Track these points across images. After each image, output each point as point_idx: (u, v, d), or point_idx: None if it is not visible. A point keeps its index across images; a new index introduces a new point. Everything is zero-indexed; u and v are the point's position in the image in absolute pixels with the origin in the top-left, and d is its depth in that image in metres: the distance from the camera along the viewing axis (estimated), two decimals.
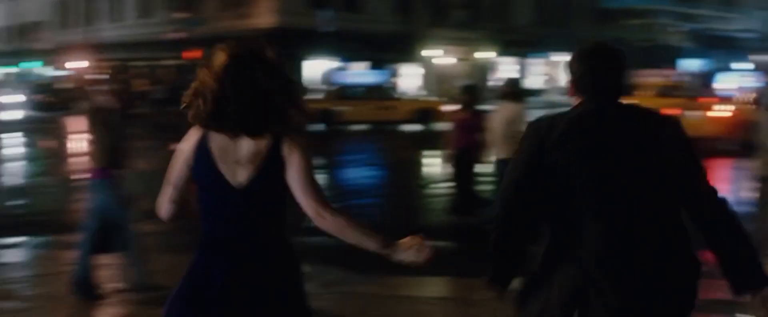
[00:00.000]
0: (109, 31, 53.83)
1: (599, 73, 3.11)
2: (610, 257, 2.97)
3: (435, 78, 47.52)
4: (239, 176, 3.08)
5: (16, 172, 18.00)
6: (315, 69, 42.85)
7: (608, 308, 2.96)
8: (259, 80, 3.04)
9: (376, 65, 43.79)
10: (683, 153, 3.06)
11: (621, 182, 2.99)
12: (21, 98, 43.62)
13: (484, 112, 9.82)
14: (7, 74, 68.35)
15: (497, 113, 9.42)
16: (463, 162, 9.84)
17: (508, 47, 50.60)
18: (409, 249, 3.07)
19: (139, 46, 50.67)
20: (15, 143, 25.76)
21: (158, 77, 46.17)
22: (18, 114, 39.44)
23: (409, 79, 47.90)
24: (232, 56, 3.08)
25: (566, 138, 3.03)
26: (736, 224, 3.04)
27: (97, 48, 50.91)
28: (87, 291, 6.62)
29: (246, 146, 3.07)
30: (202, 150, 3.11)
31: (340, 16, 42.08)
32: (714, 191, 3.09)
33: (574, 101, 3.19)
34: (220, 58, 3.09)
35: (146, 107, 43.01)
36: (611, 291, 2.96)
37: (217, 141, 3.10)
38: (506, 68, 51.69)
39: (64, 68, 59.36)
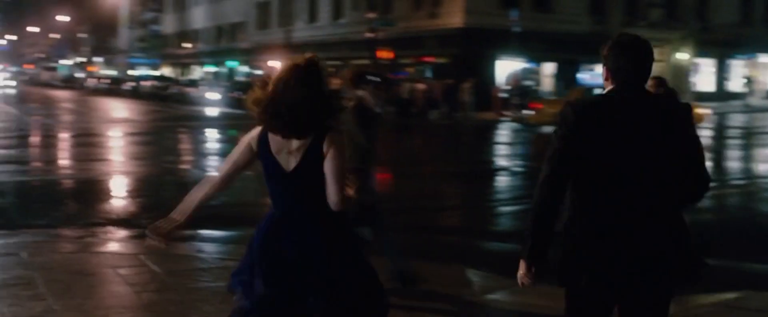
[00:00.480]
0: (304, 32, 55.44)
1: (635, 65, 3.52)
2: (619, 227, 3.41)
3: None
4: (290, 164, 3.77)
5: (213, 165, 18.69)
6: (508, 69, 42.37)
7: (614, 270, 3.41)
8: (303, 94, 3.69)
9: (567, 66, 42.85)
10: (691, 138, 3.53)
11: (642, 159, 3.42)
12: (218, 95, 45.65)
13: None
14: (207, 72, 71.97)
15: None
16: None
17: (707, 48, 48.25)
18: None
19: (333, 46, 51.91)
20: (213, 138, 26.90)
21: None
22: (215, 111, 41.29)
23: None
24: (280, 76, 3.77)
25: (599, 120, 3.45)
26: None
27: (293, 48, 52.55)
28: (408, 279, 6.84)
29: (295, 141, 3.77)
30: (263, 143, 3.82)
31: (531, 16, 41.40)
32: (707, 179, 3.57)
33: (607, 86, 3.56)
34: (273, 77, 3.80)
35: None
36: (616, 254, 3.40)
37: (274, 137, 3.80)
38: (705, 70, 49.39)
39: (262, 67, 61.77)
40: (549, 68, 44.94)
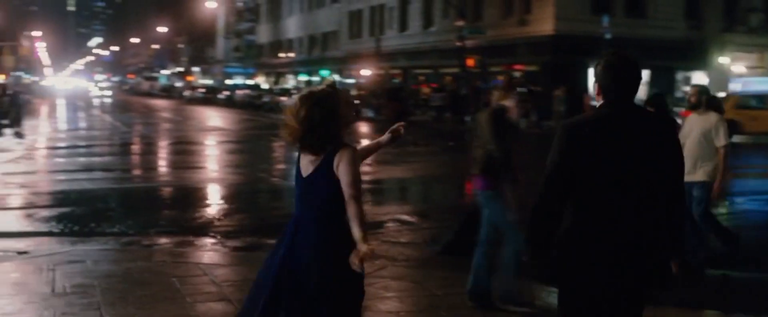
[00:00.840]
0: (394, 40, 55.50)
1: (624, 83, 3.87)
2: (613, 236, 3.77)
3: (727, 87, 44.59)
4: (307, 170, 4.32)
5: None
6: None
7: (609, 275, 3.79)
8: (315, 117, 4.22)
9: (662, 73, 41.79)
10: (673, 153, 3.89)
11: (633, 172, 3.77)
12: None
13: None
14: (300, 82, 72.75)
15: (686, 127, 8.31)
16: None
17: None
18: (356, 254, 4.03)
19: (423, 55, 51.83)
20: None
21: (444, 84, 46.99)
22: None
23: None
24: (298, 102, 4.28)
25: (589, 137, 3.81)
26: (682, 224, 3.93)
27: (384, 56, 52.68)
28: (486, 300, 6.76)
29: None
30: (298, 155, 4.44)
31: (623, 22, 40.54)
32: (683, 193, 3.92)
33: (598, 100, 3.94)
34: (294, 103, 4.31)
35: (426, 114, 43.86)
36: (612, 260, 3.77)
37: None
38: None
39: (353, 76, 62.09)
40: (643, 75, 43.85)
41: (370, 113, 46.38)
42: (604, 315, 3.89)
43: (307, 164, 4.33)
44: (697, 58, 43.81)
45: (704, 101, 8.42)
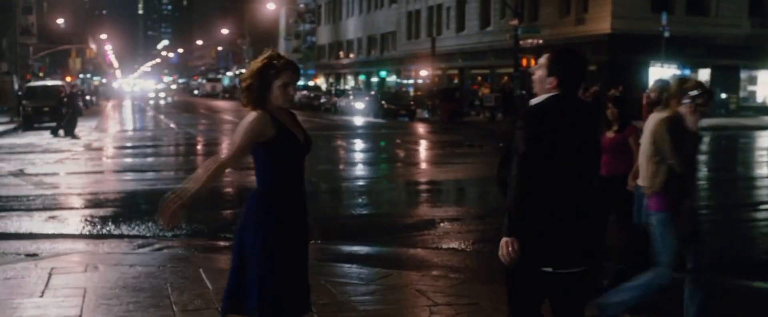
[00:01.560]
0: (451, 40, 55.08)
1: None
2: (567, 213, 4.17)
3: None
4: None
5: (357, 176, 18.26)
6: (661, 75, 40.63)
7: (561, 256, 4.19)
8: (252, 71, 4.47)
9: (724, 71, 40.69)
10: (596, 134, 4.44)
11: (580, 153, 4.25)
12: (362, 104, 45.89)
13: (637, 129, 7.66)
14: (358, 82, 72.78)
15: (645, 127, 7.47)
16: (610, 194, 7.45)
17: None
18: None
19: (480, 55, 51.32)
20: (357, 148, 26.58)
21: (499, 85, 46.43)
22: (361, 120, 41.46)
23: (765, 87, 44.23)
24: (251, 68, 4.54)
25: (554, 121, 4.18)
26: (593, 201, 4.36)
27: (440, 57, 52.25)
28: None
29: None
30: None
31: (684, 19, 39.55)
32: (596, 172, 4.50)
33: (547, 91, 4.28)
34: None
35: (480, 115, 43.38)
36: (564, 241, 4.16)
37: None
38: None
39: (411, 76, 61.78)
40: (704, 74, 42.76)
41: (425, 114, 46.06)
42: (552, 291, 4.26)
43: None
44: (762, 57, 42.52)
45: (665, 99, 7.50)
